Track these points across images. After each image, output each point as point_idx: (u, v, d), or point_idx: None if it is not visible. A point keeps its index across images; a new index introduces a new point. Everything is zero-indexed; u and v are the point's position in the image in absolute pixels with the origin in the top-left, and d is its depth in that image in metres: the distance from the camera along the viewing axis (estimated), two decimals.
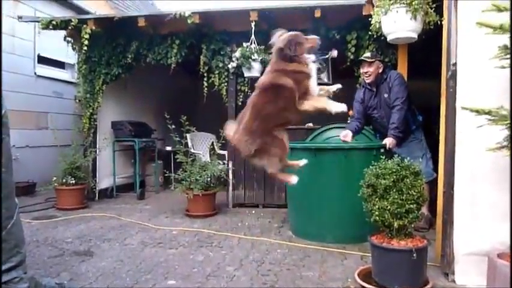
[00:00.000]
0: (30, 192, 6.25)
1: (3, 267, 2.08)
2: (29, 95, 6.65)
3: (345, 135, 4.13)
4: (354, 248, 3.52)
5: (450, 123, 2.81)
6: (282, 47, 2.61)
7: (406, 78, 4.35)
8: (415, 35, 3.71)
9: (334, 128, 4.72)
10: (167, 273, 2.98)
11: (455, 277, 2.76)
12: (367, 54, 4.25)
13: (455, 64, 2.77)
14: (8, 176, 2.14)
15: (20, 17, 5.69)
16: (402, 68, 4.46)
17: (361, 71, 4.22)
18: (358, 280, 2.72)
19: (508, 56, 2.30)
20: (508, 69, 2.33)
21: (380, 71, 4.11)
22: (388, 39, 3.86)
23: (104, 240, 3.85)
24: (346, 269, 3.06)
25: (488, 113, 2.31)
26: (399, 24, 3.64)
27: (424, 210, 3.84)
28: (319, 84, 5.73)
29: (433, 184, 3.55)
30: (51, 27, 5.43)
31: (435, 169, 3.59)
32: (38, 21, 5.53)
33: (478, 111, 2.34)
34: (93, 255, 3.39)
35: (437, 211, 3.05)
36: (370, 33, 4.17)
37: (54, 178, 5.35)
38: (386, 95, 4.07)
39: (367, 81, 4.19)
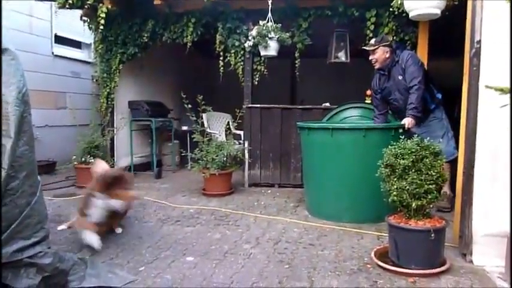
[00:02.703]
0: (51, 171, 6.39)
1: (28, 242, 2.15)
2: (47, 74, 6.72)
3: None
4: (371, 227, 3.52)
5: (472, 102, 2.74)
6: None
7: (426, 57, 4.24)
8: (438, 11, 3.60)
9: (351, 107, 4.67)
10: (186, 250, 3.05)
11: (473, 258, 2.74)
12: (371, 41, 4.12)
13: (479, 42, 2.69)
14: (31, 154, 2.20)
15: None
16: (423, 46, 4.35)
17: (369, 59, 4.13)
18: (375, 259, 2.74)
19: None
20: None
21: (387, 55, 3.99)
22: (410, 16, 3.76)
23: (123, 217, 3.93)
24: (362, 248, 3.07)
25: None
26: (422, 0, 3.53)
27: (446, 189, 3.81)
28: (336, 63, 5.66)
29: (455, 163, 3.50)
30: (67, 6, 5.40)
31: (457, 148, 3.54)
32: (54, 1, 5.54)
33: (502, 90, 2.29)
34: (113, 232, 3.47)
35: (456, 191, 3.02)
36: (390, 9, 4.06)
37: (74, 157, 5.46)
38: (400, 77, 3.96)
39: (375, 67, 4.11)
